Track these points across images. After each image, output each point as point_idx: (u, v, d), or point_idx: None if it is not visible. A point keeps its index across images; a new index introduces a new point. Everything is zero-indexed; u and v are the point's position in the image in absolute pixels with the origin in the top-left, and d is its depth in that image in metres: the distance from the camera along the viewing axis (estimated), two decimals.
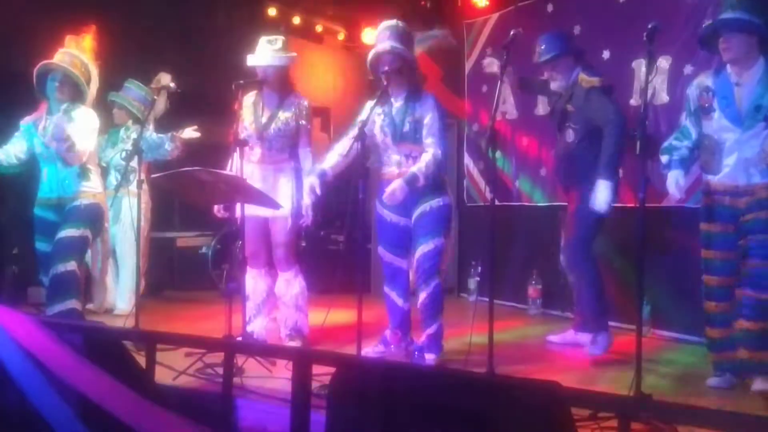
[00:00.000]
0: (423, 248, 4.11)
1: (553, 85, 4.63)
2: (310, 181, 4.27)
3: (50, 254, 4.54)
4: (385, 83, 3.99)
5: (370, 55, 4.14)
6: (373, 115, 4.14)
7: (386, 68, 4.03)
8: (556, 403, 2.09)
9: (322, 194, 4.30)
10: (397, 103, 4.21)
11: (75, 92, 4.65)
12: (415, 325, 4.33)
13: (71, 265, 4.48)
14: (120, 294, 5.79)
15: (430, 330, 4.14)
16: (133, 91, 5.85)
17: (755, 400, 3.49)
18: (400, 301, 4.28)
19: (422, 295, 4.14)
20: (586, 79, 4.44)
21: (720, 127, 3.68)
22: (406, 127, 4.15)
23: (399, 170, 4.17)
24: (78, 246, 4.58)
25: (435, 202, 4.15)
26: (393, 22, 4.19)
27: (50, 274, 4.49)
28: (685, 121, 3.85)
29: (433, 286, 4.12)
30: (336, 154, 4.29)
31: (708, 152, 3.74)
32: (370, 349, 4.26)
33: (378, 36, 4.22)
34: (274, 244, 4.52)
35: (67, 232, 4.53)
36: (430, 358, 4.14)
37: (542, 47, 4.59)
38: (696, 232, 3.86)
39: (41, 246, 4.66)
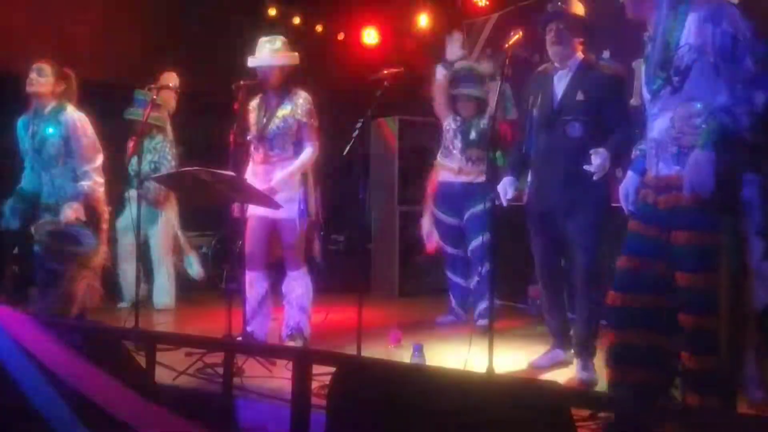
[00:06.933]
0: (475, 242, 5.23)
1: (551, 50, 4.00)
2: None
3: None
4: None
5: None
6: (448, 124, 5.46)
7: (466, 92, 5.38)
8: (556, 403, 2.10)
9: (322, 193, 4.45)
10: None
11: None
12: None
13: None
14: (159, 291, 6.02)
15: (484, 304, 4.79)
16: (144, 101, 5.72)
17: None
18: (461, 281, 5.47)
19: (476, 278, 5.21)
20: (609, 67, 4.10)
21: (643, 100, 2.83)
22: (473, 136, 5.36)
23: (459, 168, 5.37)
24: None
25: (483, 205, 5.10)
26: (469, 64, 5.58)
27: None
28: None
29: (485, 270, 5.05)
30: None
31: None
32: (442, 318, 5.51)
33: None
34: (282, 246, 4.53)
35: None
36: (484, 323, 4.60)
37: (559, 2, 4.05)
38: None
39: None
